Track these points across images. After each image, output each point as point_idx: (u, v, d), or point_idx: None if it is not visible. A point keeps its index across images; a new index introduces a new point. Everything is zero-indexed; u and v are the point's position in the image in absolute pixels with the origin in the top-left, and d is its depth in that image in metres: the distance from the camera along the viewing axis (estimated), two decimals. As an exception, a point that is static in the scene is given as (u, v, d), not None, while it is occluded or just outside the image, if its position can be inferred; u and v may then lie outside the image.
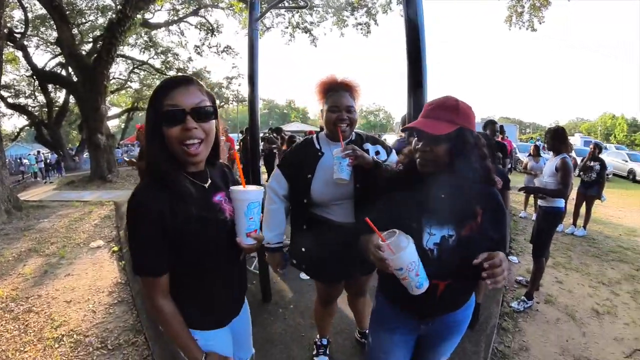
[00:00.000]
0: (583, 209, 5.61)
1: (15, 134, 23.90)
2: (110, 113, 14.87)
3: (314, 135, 1.77)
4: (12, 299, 3.27)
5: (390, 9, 12.55)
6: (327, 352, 2.23)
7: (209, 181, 1.08)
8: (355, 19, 13.27)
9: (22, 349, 2.55)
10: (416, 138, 1.11)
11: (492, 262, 0.90)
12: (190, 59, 19.94)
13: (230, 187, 1.07)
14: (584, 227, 5.56)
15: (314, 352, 2.25)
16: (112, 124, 18.85)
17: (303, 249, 1.71)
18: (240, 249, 1.07)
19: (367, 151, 1.63)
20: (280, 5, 3.06)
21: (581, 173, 5.72)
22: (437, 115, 1.04)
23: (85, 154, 20.59)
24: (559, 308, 3.01)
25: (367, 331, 2.17)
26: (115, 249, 4.62)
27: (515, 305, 2.98)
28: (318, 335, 2.26)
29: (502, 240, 1.13)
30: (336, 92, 1.59)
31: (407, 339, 1.27)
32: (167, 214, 0.93)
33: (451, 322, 1.21)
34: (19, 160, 17.89)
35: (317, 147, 1.69)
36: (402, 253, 0.92)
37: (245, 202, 1.01)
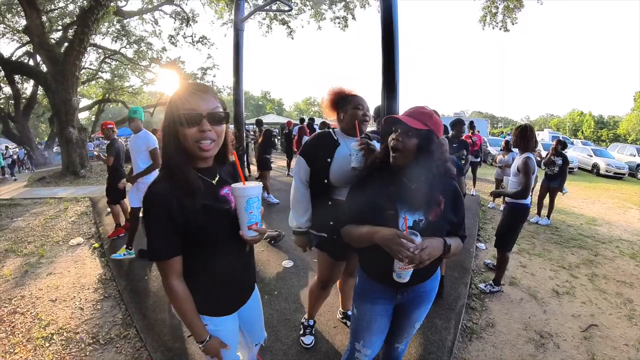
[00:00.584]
0: (547, 200, 6.03)
1: None
2: (80, 105, 14.23)
3: (331, 130, 1.99)
4: None
5: (368, 3, 12.69)
6: (313, 331, 2.48)
7: (217, 177, 1.21)
8: (334, 12, 13.34)
9: (11, 350, 2.53)
10: (394, 131, 1.33)
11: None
12: (164, 49, 19.57)
13: (231, 185, 1.17)
14: (548, 216, 5.98)
15: (301, 332, 2.48)
16: (82, 116, 18.07)
17: (330, 222, 1.88)
18: (245, 241, 1.19)
19: None
20: (265, 9, 3.16)
21: (545, 167, 6.14)
22: (415, 116, 1.29)
23: (56, 149, 19.70)
24: (522, 289, 3.28)
25: (349, 312, 2.50)
26: (97, 245, 4.58)
27: (482, 287, 3.25)
28: (306, 317, 2.49)
29: (460, 222, 1.40)
30: (356, 96, 1.90)
31: (387, 307, 1.48)
32: (177, 204, 1.06)
33: (422, 292, 1.45)
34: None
35: (335, 138, 1.92)
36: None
37: (244, 198, 1.11)
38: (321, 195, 1.91)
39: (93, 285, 3.51)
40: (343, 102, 1.90)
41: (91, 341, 2.62)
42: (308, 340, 2.43)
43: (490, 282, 3.30)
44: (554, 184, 5.95)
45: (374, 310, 1.47)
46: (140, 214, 3.96)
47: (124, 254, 4.02)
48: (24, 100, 17.98)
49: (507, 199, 3.35)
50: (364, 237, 1.30)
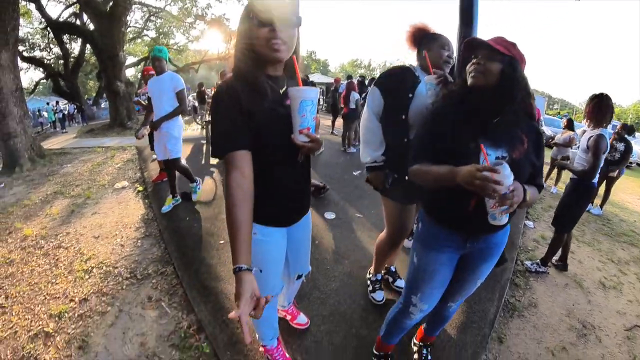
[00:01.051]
0: (602, 189, 5.51)
1: (32, 87, 23.82)
2: (126, 62, 14.64)
3: (410, 65, 1.87)
4: (41, 237, 3.38)
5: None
6: (382, 286, 2.35)
7: (285, 87, 1.20)
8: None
9: (53, 281, 2.66)
10: (474, 57, 1.21)
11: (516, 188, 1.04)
12: (209, 6, 19.08)
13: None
14: (601, 206, 5.50)
15: (370, 289, 2.36)
16: (129, 74, 18.56)
17: (403, 163, 1.71)
18: (298, 149, 1.16)
19: None
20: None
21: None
22: (498, 42, 1.16)
23: (103, 105, 20.56)
24: (569, 275, 3.07)
25: (392, 267, 2.44)
26: (141, 188, 4.73)
27: (529, 264, 3.07)
28: (372, 271, 2.38)
29: (541, 167, 1.27)
30: (443, 36, 1.77)
31: (453, 257, 1.35)
32: (245, 99, 1.08)
33: (492, 243, 1.32)
34: (37, 113, 17.97)
35: (416, 74, 1.79)
36: (507, 180, 1.00)
37: (298, 100, 1.08)
38: (396, 132, 1.78)
39: (135, 224, 3.63)
40: (427, 39, 1.78)
41: (129, 275, 2.70)
42: (379, 296, 2.28)
43: (538, 261, 3.10)
44: (612, 171, 5.41)
45: (438, 259, 1.34)
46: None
47: (172, 204, 3.93)
48: (72, 59, 18.59)
49: (571, 175, 3.01)
50: (442, 178, 1.15)
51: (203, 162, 6.38)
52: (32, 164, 6.34)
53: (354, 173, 5.45)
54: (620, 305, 2.78)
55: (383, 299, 2.27)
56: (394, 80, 1.80)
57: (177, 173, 3.97)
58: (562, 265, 3.08)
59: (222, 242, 3.16)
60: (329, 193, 4.41)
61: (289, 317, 2.07)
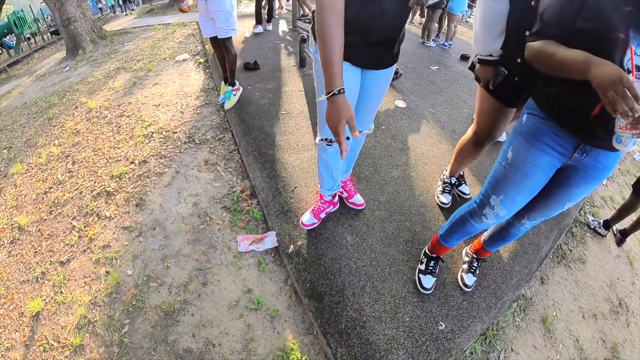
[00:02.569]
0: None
1: None
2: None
3: None
4: (105, 108, 3.30)
5: None
6: (452, 192, 2.11)
7: None
8: None
9: (115, 146, 2.60)
10: None
11: None
12: None
13: None
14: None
15: (439, 189, 2.11)
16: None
17: (519, 60, 1.37)
18: None
19: None
20: None
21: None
22: None
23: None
24: (624, 249, 2.53)
25: (453, 178, 2.08)
26: (202, 60, 4.38)
27: (591, 219, 2.60)
28: (447, 173, 2.10)
29: None
30: None
31: (555, 163, 1.11)
32: None
33: (601, 163, 1.08)
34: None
35: None
36: None
37: None
38: (517, 19, 1.35)
39: (195, 94, 3.34)
40: None
41: (187, 140, 2.48)
42: (446, 198, 2.04)
43: (600, 220, 2.58)
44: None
45: (538, 160, 1.10)
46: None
47: (229, 94, 2.96)
48: None
49: None
50: (571, 66, 0.87)
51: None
52: (94, 45, 6.28)
53: (432, 68, 4.62)
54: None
55: (449, 203, 2.05)
56: None
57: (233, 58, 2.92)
58: (620, 239, 2.51)
59: (283, 112, 2.80)
60: (401, 81, 3.82)
61: (345, 195, 1.93)
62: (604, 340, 1.74)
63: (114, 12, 14.80)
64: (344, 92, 0.95)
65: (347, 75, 1.15)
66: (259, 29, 5.10)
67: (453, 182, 2.08)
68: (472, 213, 1.30)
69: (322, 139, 1.38)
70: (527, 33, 1.19)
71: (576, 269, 2.15)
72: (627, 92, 0.74)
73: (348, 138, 1.44)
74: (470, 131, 1.78)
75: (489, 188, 1.23)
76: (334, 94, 0.94)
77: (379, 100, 1.46)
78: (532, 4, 1.26)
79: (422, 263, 1.60)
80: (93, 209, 2.03)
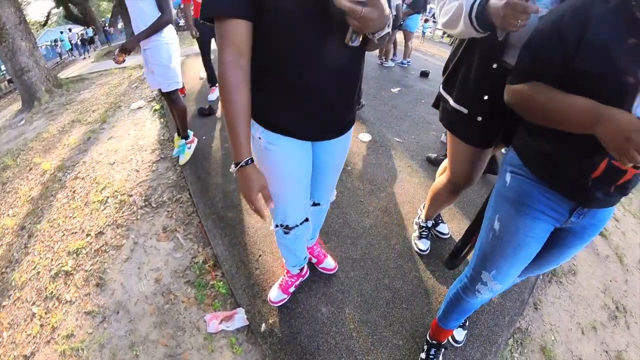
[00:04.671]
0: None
1: (45, 19, 22.73)
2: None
3: None
4: (59, 169, 3.20)
5: None
6: (430, 236, 1.99)
7: None
8: None
9: (71, 215, 2.51)
10: None
11: None
12: None
13: None
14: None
15: (416, 234, 2.00)
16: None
17: (485, 97, 1.21)
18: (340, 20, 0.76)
19: None
20: None
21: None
22: None
23: (120, 24, 19.43)
24: (611, 246, 2.56)
25: (429, 222, 1.94)
26: (157, 107, 4.32)
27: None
28: (422, 217, 1.96)
29: None
30: None
31: (547, 229, 0.99)
32: None
33: (599, 218, 0.98)
34: (54, 43, 17.38)
35: None
36: None
37: None
38: (484, 52, 1.15)
39: (151, 147, 3.27)
40: None
41: (143, 204, 2.41)
42: (424, 245, 1.93)
43: None
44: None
45: (531, 230, 0.97)
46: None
47: (183, 147, 2.86)
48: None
49: None
50: (571, 117, 0.74)
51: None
52: (49, 95, 6.10)
53: (393, 90, 4.58)
54: (656, 291, 2.32)
55: (427, 250, 1.93)
56: None
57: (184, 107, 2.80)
58: None
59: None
60: (364, 111, 3.76)
61: (314, 260, 1.81)
62: (607, 352, 1.72)
63: (73, 56, 14.53)
64: (252, 161, 0.91)
65: (294, 152, 1.04)
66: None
67: (429, 225, 1.96)
68: (464, 290, 1.17)
69: (277, 225, 1.25)
70: (495, 66, 1.10)
71: (568, 282, 2.14)
72: None
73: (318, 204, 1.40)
74: (444, 178, 1.61)
75: (477, 264, 1.10)
76: (242, 165, 0.89)
77: (339, 169, 1.32)
78: (500, 39, 0.97)
79: (423, 351, 1.45)
80: (52, 292, 1.93)
